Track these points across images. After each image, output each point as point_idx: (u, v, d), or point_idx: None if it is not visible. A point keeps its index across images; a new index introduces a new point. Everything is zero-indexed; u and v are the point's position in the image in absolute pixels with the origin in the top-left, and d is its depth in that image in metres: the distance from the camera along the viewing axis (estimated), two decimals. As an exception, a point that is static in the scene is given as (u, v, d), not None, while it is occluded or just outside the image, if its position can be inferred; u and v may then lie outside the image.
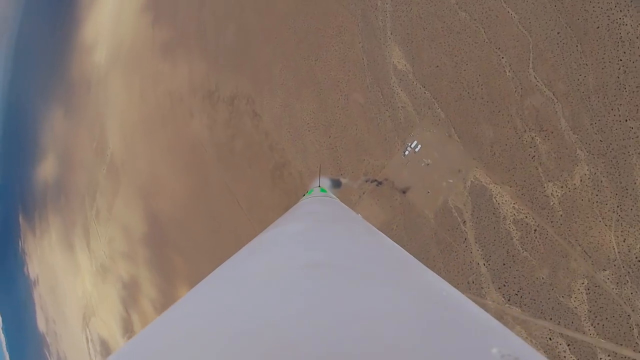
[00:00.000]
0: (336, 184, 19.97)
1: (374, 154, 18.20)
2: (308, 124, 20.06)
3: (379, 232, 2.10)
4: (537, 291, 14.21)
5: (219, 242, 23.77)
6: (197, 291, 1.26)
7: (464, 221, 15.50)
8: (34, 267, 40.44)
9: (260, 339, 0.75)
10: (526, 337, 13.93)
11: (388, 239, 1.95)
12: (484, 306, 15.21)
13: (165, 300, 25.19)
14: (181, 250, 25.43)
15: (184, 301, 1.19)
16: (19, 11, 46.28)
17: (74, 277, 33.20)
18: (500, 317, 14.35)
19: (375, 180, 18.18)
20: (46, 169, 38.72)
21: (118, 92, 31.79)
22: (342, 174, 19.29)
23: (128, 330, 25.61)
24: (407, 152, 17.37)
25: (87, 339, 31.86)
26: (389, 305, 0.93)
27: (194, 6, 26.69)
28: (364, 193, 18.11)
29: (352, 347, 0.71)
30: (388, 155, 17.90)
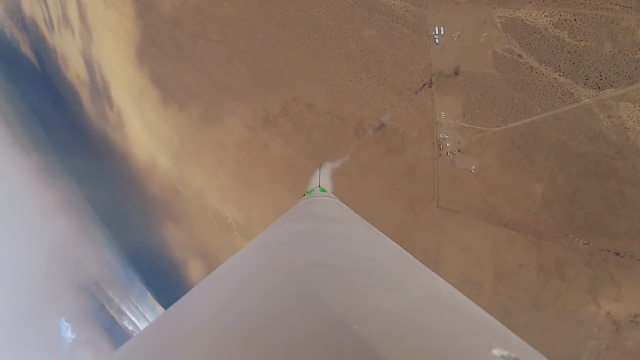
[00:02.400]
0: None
1: (415, 61, 22.28)
2: (351, 80, 24.64)
3: (379, 232, 2.41)
4: (614, 64, 16.73)
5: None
6: (197, 291, 1.45)
7: (519, 55, 18.54)
8: None
9: (260, 340, 0.84)
10: (634, 103, 17.35)
11: (388, 238, 2.24)
12: (583, 107, 18.56)
13: None
14: None
15: (184, 301, 1.35)
16: (84, 199, 53.36)
17: None
18: (602, 106, 17.49)
19: (427, 83, 22.34)
20: (194, 273, 48.52)
21: (202, 177, 39.72)
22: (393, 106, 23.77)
23: None
24: (437, 40, 21.13)
25: None
26: (389, 306, 1.04)
27: (197, 72, 32.41)
28: (431, 97, 22.36)
29: (352, 348, 0.80)
30: (426, 54, 21.89)
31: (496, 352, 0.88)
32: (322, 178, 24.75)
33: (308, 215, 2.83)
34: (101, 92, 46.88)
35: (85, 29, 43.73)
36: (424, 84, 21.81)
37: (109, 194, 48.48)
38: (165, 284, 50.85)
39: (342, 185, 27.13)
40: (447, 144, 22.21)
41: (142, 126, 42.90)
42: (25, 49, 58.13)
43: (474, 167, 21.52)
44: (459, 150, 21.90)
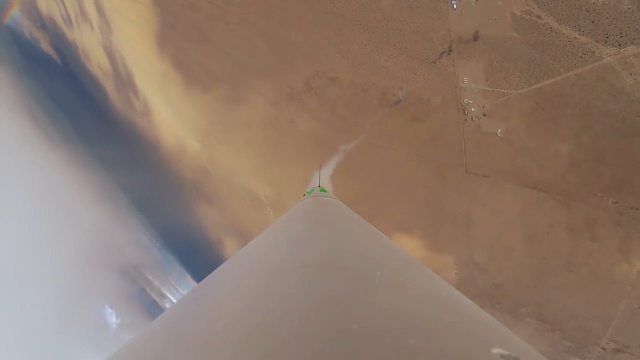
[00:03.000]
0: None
1: (434, 27, 22.79)
2: (372, 51, 25.25)
3: (379, 231, 2.43)
4: (633, 21, 16.83)
5: (388, 187, 30.71)
6: (196, 292, 1.47)
7: (538, 16, 18.72)
8: None
9: (259, 340, 0.86)
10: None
11: (388, 238, 2.26)
12: (605, 65, 18.63)
13: None
14: (371, 212, 32.65)
15: (183, 301, 1.38)
16: (117, 187, 55.69)
17: None
18: (624, 64, 17.64)
19: (447, 49, 22.91)
20: (230, 251, 50.83)
21: (231, 157, 41.22)
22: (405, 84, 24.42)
23: None
24: (455, 6, 21.53)
25: None
26: (389, 306, 1.05)
27: (218, 54, 33.67)
28: (453, 62, 22.95)
29: (351, 348, 0.81)
30: (445, 20, 22.36)
31: (496, 351, 0.92)
32: (322, 178, 25.76)
33: (307, 215, 2.94)
34: (125, 81, 48.83)
35: (104, 21, 45.50)
36: (444, 51, 22.40)
37: (142, 180, 50.83)
38: (203, 264, 52.76)
39: (370, 155, 28.26)
40: (472, 109, 22.89)
41: (169, 111, 44.79)
42: (46, 47, 60.55)
43: (499, 130, 22.20)
44: (483, 115, 22.57)
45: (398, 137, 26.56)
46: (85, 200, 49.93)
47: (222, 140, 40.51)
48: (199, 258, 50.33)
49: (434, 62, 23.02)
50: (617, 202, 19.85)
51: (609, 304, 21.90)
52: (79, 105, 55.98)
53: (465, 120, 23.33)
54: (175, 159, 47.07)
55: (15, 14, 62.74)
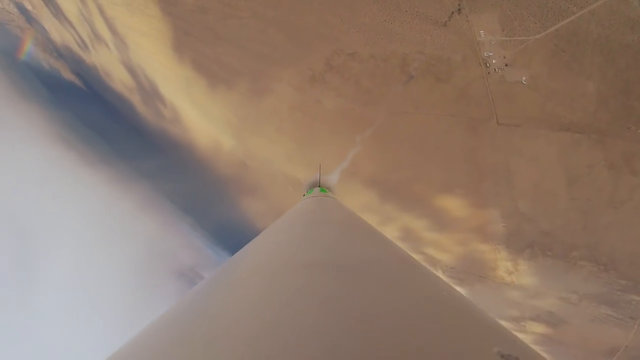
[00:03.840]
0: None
1: None
2: (385, 20, 25.58)
3: (379, 231, 2.43)
4: None
5: (423, 148, 31.72)
6: (197, 291, 1.51)
7: None
8: None
9: (260, 339, 0.88)
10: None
11: (388, 238, 2.26)
12: None
13: (433, 219, 32.81)
14: (411, 178, 33.74)
15: (184, 301, 1.40)
16: (162, 195, 58.82)
17: None
18: None
19: (456, 9, 23.59)
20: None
21: (266, 147, 42.45)
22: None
23: (434, 263, 34.59)
24: None
25: None
26: (390, 305, 1.10)
27: (235, 49, 35.35)
28: (467, 18, 23.75)
29: (352, 346, 0.83)
30: None
31: (496, 351, 0.95)
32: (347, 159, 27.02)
33: (308, 215, 2.96)
34: (150, 93, 51.36)
35: (119, 39, 47.88)
36: (455, 10, 23.23)
37: (184, 184, 53.43)
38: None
39: (400, 123, 29.33)
40: (493, 61, 23.64)
41: (198, 114, 46.71)
42: (67, 75, 63.54)
43: (524, 78, 22.91)
44: (506, 65, 23.30)
45: (425, 101, 27.46)
46: (134, 213, 53.25)
47: (254, 132, 42.26)
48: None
49: (448, 21, 23.82)
50: (651, 132, 20.36)
51: (658, 237, 22.55)
52: (110, 124, 58.99)
53: (489, 73, 24.10)
54: (212, 158, 49.24)
55: (29, 49, 65.94)
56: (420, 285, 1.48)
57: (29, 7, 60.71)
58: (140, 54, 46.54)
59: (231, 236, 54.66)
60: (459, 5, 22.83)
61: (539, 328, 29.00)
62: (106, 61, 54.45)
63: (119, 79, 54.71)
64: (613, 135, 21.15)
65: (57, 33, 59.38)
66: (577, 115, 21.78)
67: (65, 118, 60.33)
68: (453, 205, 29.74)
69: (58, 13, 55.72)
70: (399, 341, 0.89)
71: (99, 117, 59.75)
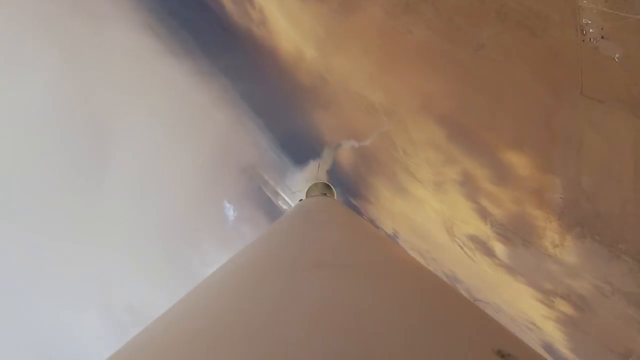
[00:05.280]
0: None
1: None
2: None
3: (379, 231, 2.60)
4: None
5: (501, 100, 32.30)
6: (196, 292, 1.60)
7: None
8: (388, 225, 56.27)
9: (260, 341, 0.95)
10: None
11: (388, 238, 2.42)
12: None
13: (496, 171, 33.81)
14: (483, 125, 34.38)
15: (184, 301, 1.50)
16: (237, 94, 63.81)
17: (422, 209, 46.43)
18: None
19: None
20: (344, 156, 55.71)
21: (347, 64, 43.60)
22: None
23: (484, 215, 35.61)
24: None
25: (459, 245, 42.74)
26: (389, 305, 1.18)
27: None
28: None
29: (351, 347, 0.90)
30: None
31: (496, 351, 1.02)
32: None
33: (308, 214, 3.13)
34: (240, -8, 52.22)
35: None
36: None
37: (260, 86, 55.96)
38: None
39: (486, 68, 29.97)
40: (591, 30, 23.50)
41: (285, 20, 48.04)
42: None
43: (617, 55, 22.89)
44: (602, 37, 23.14)
45: (515, 52, 27.76)
46: (207, 108, 57.46)
47: (338, 48, 43.48)
48: (313, 161, 56.29)
49: (554, -24, 23.70)
50: None
51: None
52: (198, 19, 61.81)
53: (584, 40, 24.00)
54: (293, 65, 51.30)
55: None
56: (421, 285, 1.62)
57: None
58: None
59: (296, 144, 57.42)
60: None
61: (566, 308, 30.59)
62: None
63: (209, -27, 56.14)
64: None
65: None
66: (662, 107, 21.98)
67: (154, 8, 63.78)
68: (518, 162, 30.51)
69: None
70: (397, 341, 0.99)
71: (187, 11, 62.57)
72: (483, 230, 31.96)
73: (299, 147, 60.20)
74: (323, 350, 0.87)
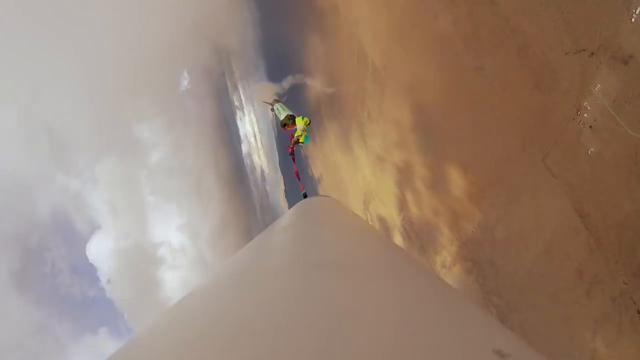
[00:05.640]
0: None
1: (602, 24, 23.14)
2: (541, 3, 26.23)
3: (380, 232, 2.33)
4: None
5: (477, 123, 32.79)
6: (196, 292, 1.48)
7: None
8: (317, 168, 56.59)
9: (260, 342, 0.85)
10: None
11: (389, 239, 2.35)
12: None
13: (434, 177, 35.21)
14: (448, 134, 35.01)
15: (184, 301, 1.39)
16: None
17: (354, 171, 46.62)
18: None
19: (596, 51, 23.52)
20: (316, 88, 53.74)
21: (364, 10, 41.89)
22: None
23: (402, 207, 36.66)
24: (633, 18, 21.65)
25: (367, 219, 43.36)
26: (389, 305, 1.09)
27: None
28: (599, 65, 23.86)
29: (351, 347, 0.79)
30: (616, 23, 22.51)
31: (495, 352, 0.99)
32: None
33: (307, 215, 3.02)
34: None
35: None
36: (594, 51, 23.27)
37: None
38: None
39: (479, 91, 30.05)
40: (585, 115, 23.85)
41: None
42: None
43: (592, 149, 23.69)
44: (590, 127, 23.68)
45: (512, 90, 27.67)
46: None
47: None
48: (284, 75, 54.52)
49: (584, 51, 23.83)
50: None
51: None
52: None
53: (574, 119, 24.28)
54: None
55: None
56: (420, 285, 1.54)
57: None
58: None
59: (278, 54, 55.60)
60: (599, 49, 22.92)
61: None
62: None
63: None
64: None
65: None
66: (599, 219, 23.57)
67: None
68: (457, 181, 30.77)
69: None
70: (397, 341, 0.90)
71: None
72: (394, 218, 33.60)
73: (278, 58, 57.74)
74: (323, 350, 0.79)
